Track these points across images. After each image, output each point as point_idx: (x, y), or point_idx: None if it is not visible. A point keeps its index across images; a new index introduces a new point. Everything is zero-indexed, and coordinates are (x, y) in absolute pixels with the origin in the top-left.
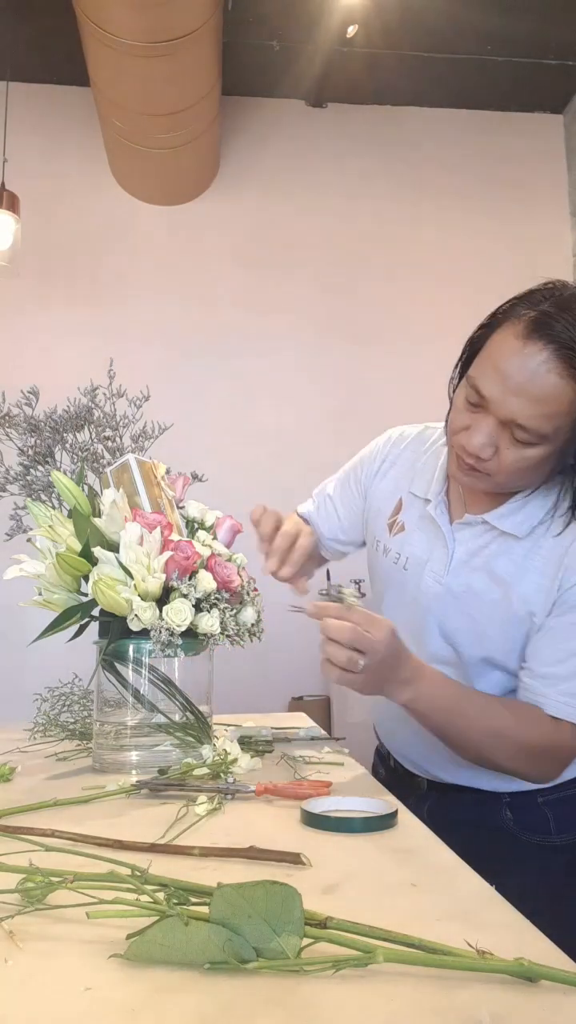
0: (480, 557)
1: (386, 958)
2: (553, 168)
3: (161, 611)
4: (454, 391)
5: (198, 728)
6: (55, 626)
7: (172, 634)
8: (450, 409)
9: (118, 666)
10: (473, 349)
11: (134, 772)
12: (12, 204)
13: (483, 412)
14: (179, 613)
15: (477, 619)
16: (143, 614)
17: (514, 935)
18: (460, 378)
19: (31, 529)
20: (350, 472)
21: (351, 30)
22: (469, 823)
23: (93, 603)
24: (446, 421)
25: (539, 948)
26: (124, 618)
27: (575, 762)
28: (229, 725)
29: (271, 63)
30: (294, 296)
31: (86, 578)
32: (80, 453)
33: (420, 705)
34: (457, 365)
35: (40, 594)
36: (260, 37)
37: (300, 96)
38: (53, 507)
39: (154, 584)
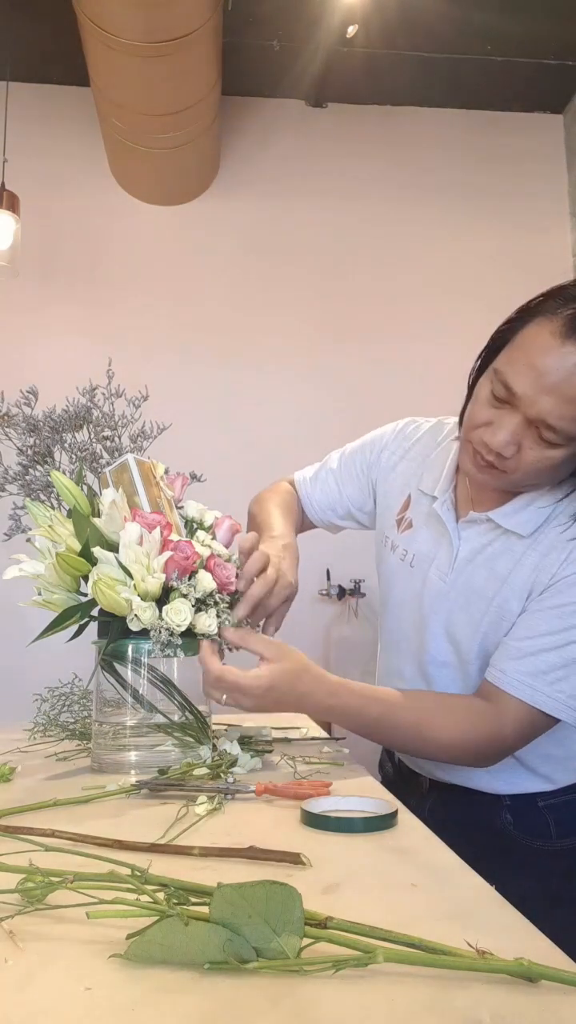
0: (483, 555)
1: (386, 958)
2: (553, 168)
3: (161, 611)
4: (473, 383)
5: (197, 728)
6: (55, 626)
7: (172, 634)
8: (467, 402)
9: (117, 666)
10: (501, 341)
11: (134, 772)
12: (12, 204)
13: (509, 409)
14: (179, 613)
15: (477, 617)
16: (143, 614)
17: (514, 935)
18: (481, 370)
19: (30, 529)
20: (357, 452)
21: (351, 30)
22: (469, 825)
23: (93, 603)
24: (461, 415)
25: (539, 948)
26: (123, 618)
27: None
28: (229, 725)
29: (271, 63)
30: (294, 295)
31: (86, 578)
32: (79, 453)
33: (338, 719)
34: (480, 356)
35: (40, 594)
36: (260, 37)
37: (300, 96)
38: (52, 507)
39: (154, 584)
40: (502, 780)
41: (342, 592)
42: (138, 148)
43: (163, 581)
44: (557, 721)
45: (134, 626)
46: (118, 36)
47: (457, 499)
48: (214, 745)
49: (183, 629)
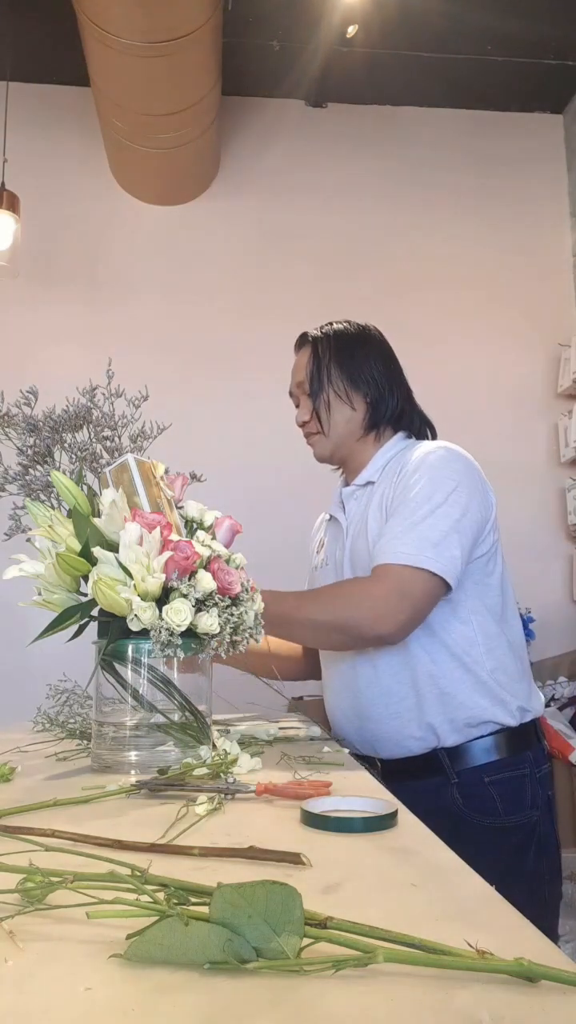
0: (362, 516)
1: (386, 958)
2: (553, 168)
3: (161, 611)
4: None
5: (197, 728)
6: (54, 626)
7: (172, 634)
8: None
9: (117, 666)
10: None
11: (134, 772)
12: (12, 204)
13: (297, 405)
14: (179, 613)
15: (366, 548)
16: (143, 614)
17: (514, 935)
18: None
19: (30, 529)
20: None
21: (351, 30)
22: (423, 809)
23: (93, 603)
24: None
25: (539, 948)
26: (123, 618)
27: (506, 745)
28: (229, 725)
29: (271, 63)
30: (294, 295)
31: (86, 578)
32: (79, 453)
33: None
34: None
35: (40, 594)
36: (260, 37)
37: (300, 96)
38: (52, 507)
39: (154, 584)
40: (424, 726)
41: None
42: (138, 148)
43: (163, 581)
44: (429, 576)
45: (134, 626)
46: (118, 36)
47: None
48: (214, 745)
49: (183, 629)
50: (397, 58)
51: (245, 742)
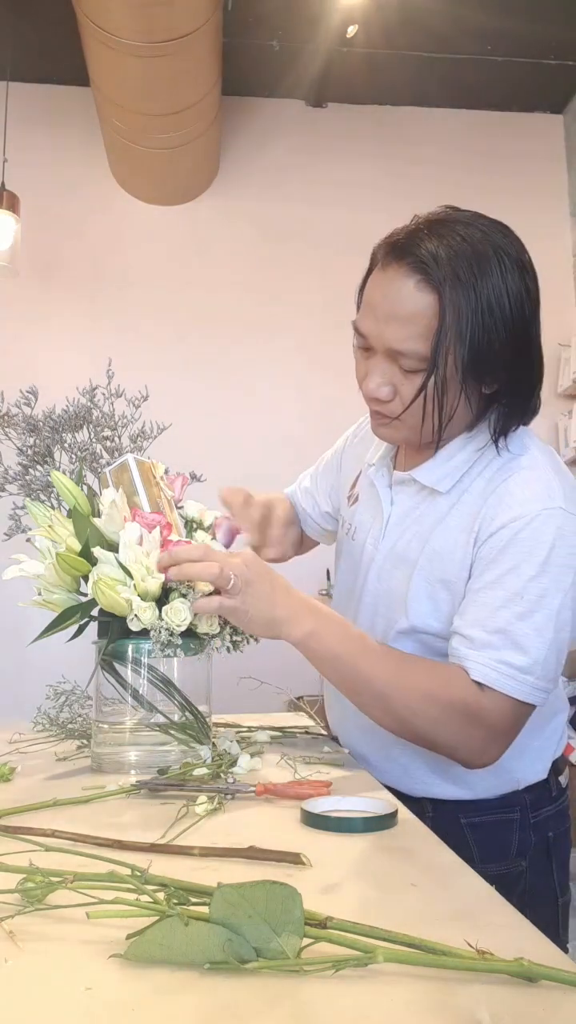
0: (411, 517)
1: (386, 958)
2: (553, 168)
3: (160, 611)
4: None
5: (197, 728)
6: (54, 626)
7: (172, 634)
8: None
9: (117, 666)
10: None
11: (134, 772)
12: (12, 204)
13: (371, 353)
14: (179, 613)
15: (402, 581)
16: (143, 614)
17: (514, 935)
18: None
19: (30, 529)
20: (331, 449)
21: (351, 30)
22: None
23: (93, 603)
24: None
25: (539, 948)
26: (123, 618)
27: (492, 775)
28: (228, 725)
29: (271, 63)
30: (294, 296)
31: (85, 578)
32: (79, 453)
33: (318, 643)
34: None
35: (39, 594)
36: (260, 37)
37: (300, 96)
38: (52, 507)
39: (154, 584)
40: (419, 780)
41: None
42: (138, 148)
43: (163, 581)
44: (532, 709)
45: (134, 626)
46: (118, 36)
47: (394, 466)
48: (214, 745)
49: (183, 629)
50: (397, 58)
51: (244, 742)
